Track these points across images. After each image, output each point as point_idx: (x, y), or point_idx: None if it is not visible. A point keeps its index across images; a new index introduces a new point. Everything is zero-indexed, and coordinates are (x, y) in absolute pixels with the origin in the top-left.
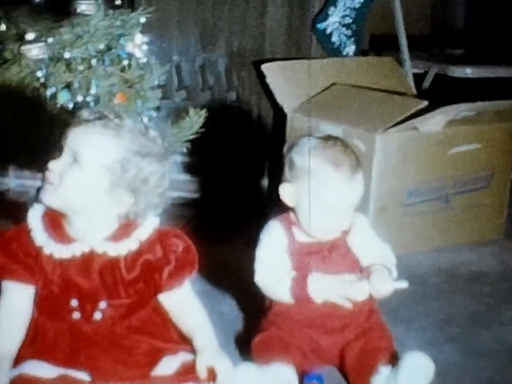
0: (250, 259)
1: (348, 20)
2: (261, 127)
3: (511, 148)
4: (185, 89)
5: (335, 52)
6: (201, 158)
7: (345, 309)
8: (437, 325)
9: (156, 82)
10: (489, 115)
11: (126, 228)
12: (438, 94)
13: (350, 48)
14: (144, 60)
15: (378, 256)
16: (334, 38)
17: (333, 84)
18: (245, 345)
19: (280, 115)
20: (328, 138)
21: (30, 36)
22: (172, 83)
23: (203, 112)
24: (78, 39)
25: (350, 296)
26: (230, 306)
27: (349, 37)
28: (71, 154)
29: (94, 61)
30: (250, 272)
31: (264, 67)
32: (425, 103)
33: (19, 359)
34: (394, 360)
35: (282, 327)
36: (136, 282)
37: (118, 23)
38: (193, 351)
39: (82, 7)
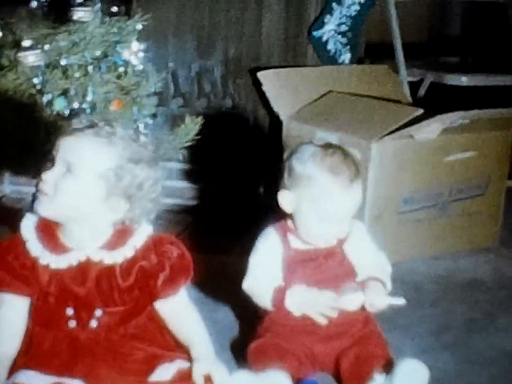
0: (246, 267)
1: (344, 28)
2: (257, 134)
3: (506, 155)
4: (181, 96)
5: (330, 59)
6: (197, 165)
7: (341, 315)
8: (433, 332)
9: (152, 89)
10: (484, 123)
11: (121, 235)
12: (434, 102)
13: (346, 56)
14: (141, 67)
15: (373, 265)
16: (330, 46)
17: (329, 92)
18: (241, 353)
19: (276, 122)
20: (328, 146)
21: (26, 42)
22: (168, 90)
23: (199, 120)
24: (74, 46)
25: (341, 306)
26: (225, 314)
27: (344, 45)
28: (64, 164)
29: (90, 68)
30: None
31: (260, 74)
32: (420, 111)
33: (13, 369)
34: (389, 367)
35: (278, 334)
36: (132, 289)
37: (115, 30)
38: (189, 358)
39: (79, 14)
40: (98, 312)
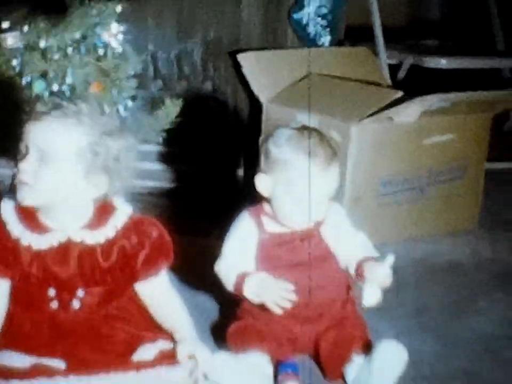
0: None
1: (324, 10)
2: (237, 117)
3: (485, 138)
4: (161, 78)
5: (310, 42)
6: (177, 147)
7: (320, 298)
8: (411, 315)
9: (132, 72)
10: (464, 106)
11: (101, 215)
12: (413, 84)
13: (326, 39)
14: (120, 49)
15: (354, 245)
16: (310, 28)
17: (309, 74)
18: (221, 335)
19: (256, 105)
20: (304, 129)
21: (5, 24)
22: (148, 73)
23: (179, 102)
24: (53, 28)
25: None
26: (204, 297)
27: (324, 27)
28: (39, 151)
29: (69, 50)
30: None
31: (240, 57)
32: (400, 94)
33: None
34: (368, 349)
35: (257, 316)
36: (113, 269)
37: (94, 12)
38: (171, 339)
39: None
40: (80, 293)
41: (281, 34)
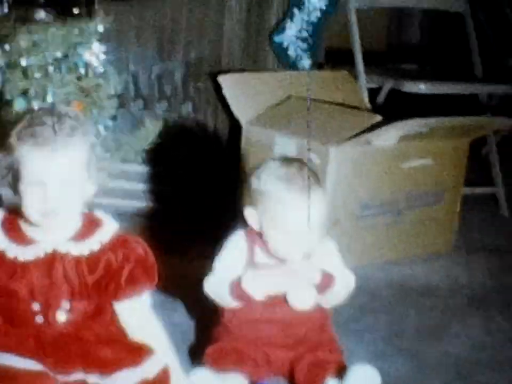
0: (206, 270)
1: (305, 34)
2: (217, 138)
3: (463, 163)
4: (141, 98)
5: (291, 65)
6: (157, 167)
7: (297, 328)
8: (387, 338)
9: (113, 92)
10: (442, 131)
11: (88, 228)
12: (392, 109)
13: (306, 62)
14: (101, 68)
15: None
16: (291, 51)
17: (289, 97)
18: (198, 356)
19: (236, 126)
20: (286, 159)
21: None
22: (129, 92)
23: (159, 122)
24: (35, 47)
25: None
26: (182, 316)
27: (305, 51)
28: (57, 181)
29: (50, 69)
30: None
31: (221, 78)
32: (379, 118)
33: None
34: (343, 372)
35: (235, 337)
36: (98, 284)
37: (76, 31)
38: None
39: (40, 15)
40: (65, 305)
41: (262, 57)
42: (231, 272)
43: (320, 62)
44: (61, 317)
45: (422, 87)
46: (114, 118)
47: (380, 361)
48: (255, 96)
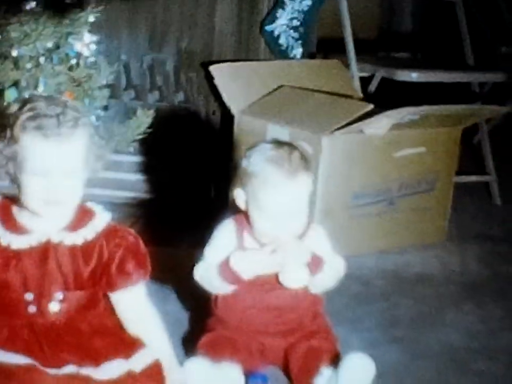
0: (197, 259)
1: (296, 23)
2: (209, 128)
3: (455, 151)
4: (133, 88)
5: (282, 54)
6: (149, 157)
7: (290, 315)
8: (381, 327)
9: (104, 82)
10: (434, 119)
11: (81, 218)
12: (384, 97)
13: (298, 51)
14: (93, 59)
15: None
16: (282, 40)
17: (281, 86)
18: (191, 345)
19: (228, 116)
20: (277, 142)
21: None
22: (120, 82)
23: (151, 112)
24: (26, 37)
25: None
26: (175, 306)
27: (296, 40)
28: (61, 171)
29: (42, 59)
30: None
31: (213, 68)
32: (371, 106)
33: None
34: (337, 361)
35: (228, 327)
36: (92, 273)
37: (67, 21)
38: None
39: (31, 5)
40: (58, 295)
41: (254, 46)
42: (220, 257)
43: (311, 51)
44: (54, 307)
45: (414, 76)
46: (106, 108)
47: (374, 350)
48: (247, 85)
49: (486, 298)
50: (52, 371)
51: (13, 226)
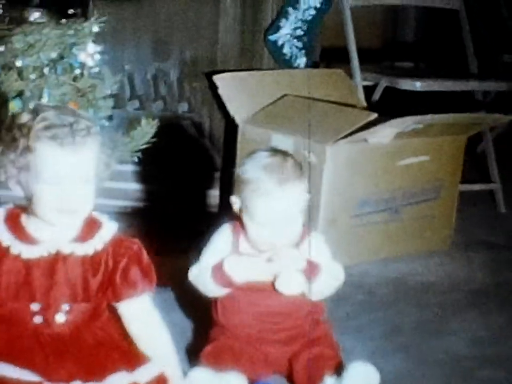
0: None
1: (300, 32)
2: (213, 138)
3: (459, 160)
4: (137, 99)
5: (286, 63)
6: (152, 167)
7: (289, 322)
8: (385, 335)
9: (108, 92)
10: (438, 128)
11: (89, 229)
12: (388, 106)
13: (301, 60)
14: (97, 69)
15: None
16: (286, 50)
17: (284, 95)
18: (195, 355)
19: (232, 126)
20: (272, 150)
21: None
22: (124, 93)
23: (155, 122)
24: (30, 48)
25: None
26: (179, 316)
27: (300, 49)
28: (81, 177)
29: (46, 70)
30: None
31: (216, 78)
32: (375, 115)
33: None
34: (340, 369)
35: (231, 336)
36: (100, 285)
37: (71, 32)
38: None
39: (34, 15)
40: (65, 307)
41: (257, 56)
42: (215, 260)
43: (315, 60)
44: (60, 318)
45: (417, 85)
46: (110, 118)
47: (379, 358)
48: (250, 95)
49: (490, 306)
50: None
51: (23, 236)
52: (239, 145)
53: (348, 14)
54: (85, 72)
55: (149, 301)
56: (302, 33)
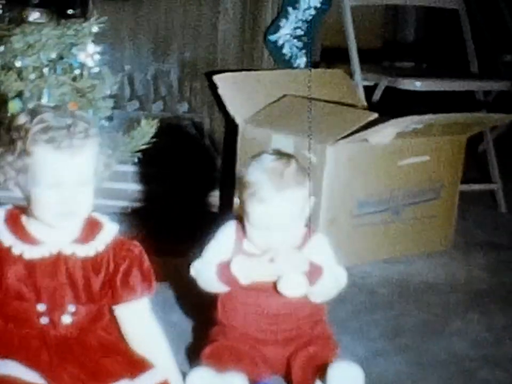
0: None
1: (300, 32)
2: (213, 138)
3: (459, 160)
4: (137, 99)
5: (286, 63)
6: (152, 168)
7: (287, 323)
8: (386, 336)
9: (108, 92)
10: (438, 128)
11: (90, 230)
12: (388, 106)
13: (301, 60)
14: (96, 69)
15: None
16: (286, 50)
17: (284, 95)
18: (195, 356)
19: (232, 126)
20: (276, 153)
21: None
22: (124, 93)
23: (155, 122)
24: (29, 48)
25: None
26: (180, 317)
27: (300, 49)
28: (74, 182)
29: (45, 70)
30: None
31: (216, 78)
32: (375, 115)
33: None
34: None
35: (231, 337)
36: (102, 286)
37: (71, 32)
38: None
39: (34, 16)
40: (71, 308)
41: (257, 56)
42: (218, 256)
43: (315, 60)
44: (67, 319)
45: (418, 84)
46: (110, 118)
47: (380, 359)
48: (250, 95)
49: (491, 306)
50: None
51: (24, 236)
52: (239, 146)
53: (348, 13)
54: (85, 73)
55: (146, 305)
56: (302, 33)
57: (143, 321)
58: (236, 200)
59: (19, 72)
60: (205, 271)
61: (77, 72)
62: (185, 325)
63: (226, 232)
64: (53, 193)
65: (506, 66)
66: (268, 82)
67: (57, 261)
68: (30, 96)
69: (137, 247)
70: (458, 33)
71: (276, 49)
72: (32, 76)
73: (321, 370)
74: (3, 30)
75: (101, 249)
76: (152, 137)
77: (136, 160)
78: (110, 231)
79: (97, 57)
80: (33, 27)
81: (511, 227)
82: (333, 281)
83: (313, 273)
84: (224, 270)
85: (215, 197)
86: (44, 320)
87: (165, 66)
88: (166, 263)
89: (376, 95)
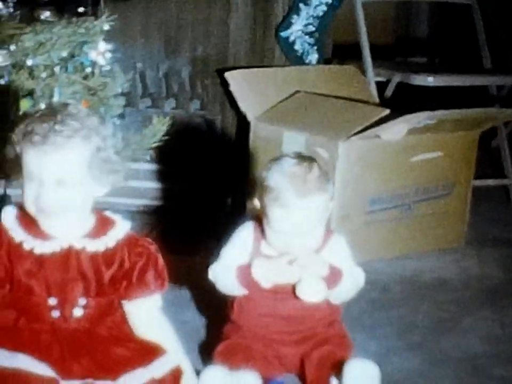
0: (212, 261)
1: (311, 28)
2: (225, 135)
3: (472, 156)
4: (149, 96)
5: (298, 60)
6: (165, 165)
7: (304, 324)
8: (399, 333)
9: (120, 90)
10: (450, 123)
11: (102, 226)
12: (401, 102)
13: (313, 56)
14: (108, 67)
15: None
16: (297, 46)
17: (296, 92)
18: (208, 354)
19: (243, 123)
20: (298, 157)
21: None
22: (136, 91)
23: (167, 120)
24: (40, 46)
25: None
26: (193, 315)
27: (312, 45)
28: (55, 180)
29: (57, 69)
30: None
31: (228, 75)
32: (387, 111)
33: None
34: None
35: (244, 335)
36: (112, 279)
37: (81, 30)
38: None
39: (45, 14)
40: (81, 301)
41: (269, 52)
42: (236, 259)
43: (327, 56)
44: (78, 312)
45: (430, 80)
46: (122, 116)
47: (392, 356)
48: (262, 92)
49: (504, 303)
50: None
51: (35, 231)
52: (251, 142)
53: (360, 9)
54: (96, 71)
55: (157, 302)
56: (313, 29)
57: (152, 317)
58: (256, 202)
59: (30, 70)
60: (224, 274)
61: (88, 70)
62: (198, 323)
63: (244, 234)
64: (32, 186)
65: None
66: (279, 79)
67: (68, 255)
68: (41, 94)
69: (152, 245)
70: (471, 28)
71: (288, 46)
72: (44, 75)
73: (336, 368)
74: (14, 28)
75: (112, 245)
76: (164, 135)
77: (148, 158)
78: (122, 228)
79: (108, 55)
80: (44, 25)
81: None
82: (352, 283)
83: (333, 276)
84: (245, 273)
85: (227, 195)
86: (55, 314)
87: (177, 63)
88: (178, 261)
89: (389, 91)
